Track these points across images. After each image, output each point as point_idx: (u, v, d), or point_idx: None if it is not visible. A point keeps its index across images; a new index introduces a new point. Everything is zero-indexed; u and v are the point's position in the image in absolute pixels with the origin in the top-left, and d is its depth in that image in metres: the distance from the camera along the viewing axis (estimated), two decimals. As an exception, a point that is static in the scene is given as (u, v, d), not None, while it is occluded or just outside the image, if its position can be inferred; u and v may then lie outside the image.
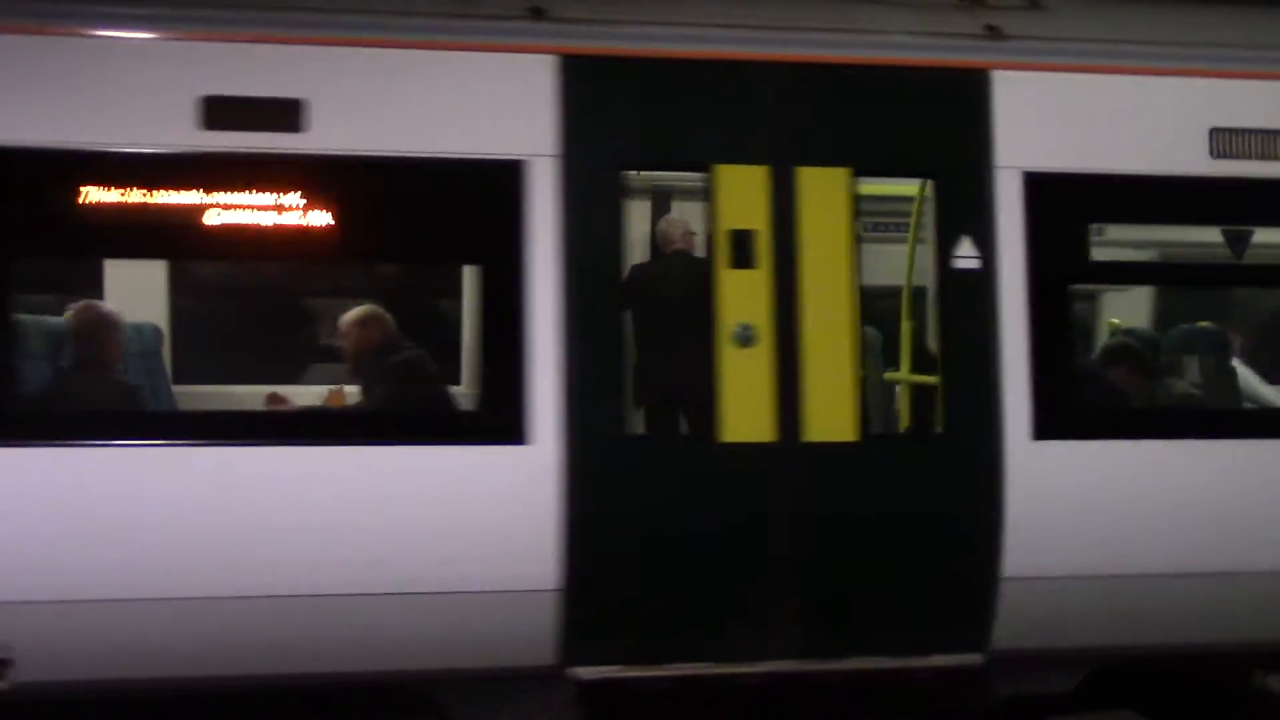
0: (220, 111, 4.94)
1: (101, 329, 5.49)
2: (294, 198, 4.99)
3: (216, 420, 5.28)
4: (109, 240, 5.05)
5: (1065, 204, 5.42)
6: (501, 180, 5.06)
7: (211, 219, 4.97)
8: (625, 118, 5.22)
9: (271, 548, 4.81)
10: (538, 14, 5.29)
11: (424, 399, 5.70)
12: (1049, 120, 5.44)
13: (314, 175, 5.00)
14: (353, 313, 6.03)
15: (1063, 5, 5.83)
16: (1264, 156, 5.57)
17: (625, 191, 5.36)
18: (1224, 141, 5.56)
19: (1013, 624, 5.31)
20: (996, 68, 5.46)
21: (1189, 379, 6.57)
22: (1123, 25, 5.76)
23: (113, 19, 5.00)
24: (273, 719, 5.33)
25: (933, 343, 5.66)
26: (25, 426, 4.81)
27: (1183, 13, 5.88)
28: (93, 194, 4.87)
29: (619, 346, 5.28)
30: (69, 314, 5.59)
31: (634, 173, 5.86)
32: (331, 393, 6.38)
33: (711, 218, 5.26)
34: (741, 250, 5.20)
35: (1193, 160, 5.53)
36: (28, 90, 4.80)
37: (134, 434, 4.88)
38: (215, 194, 4.96)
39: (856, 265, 5.29)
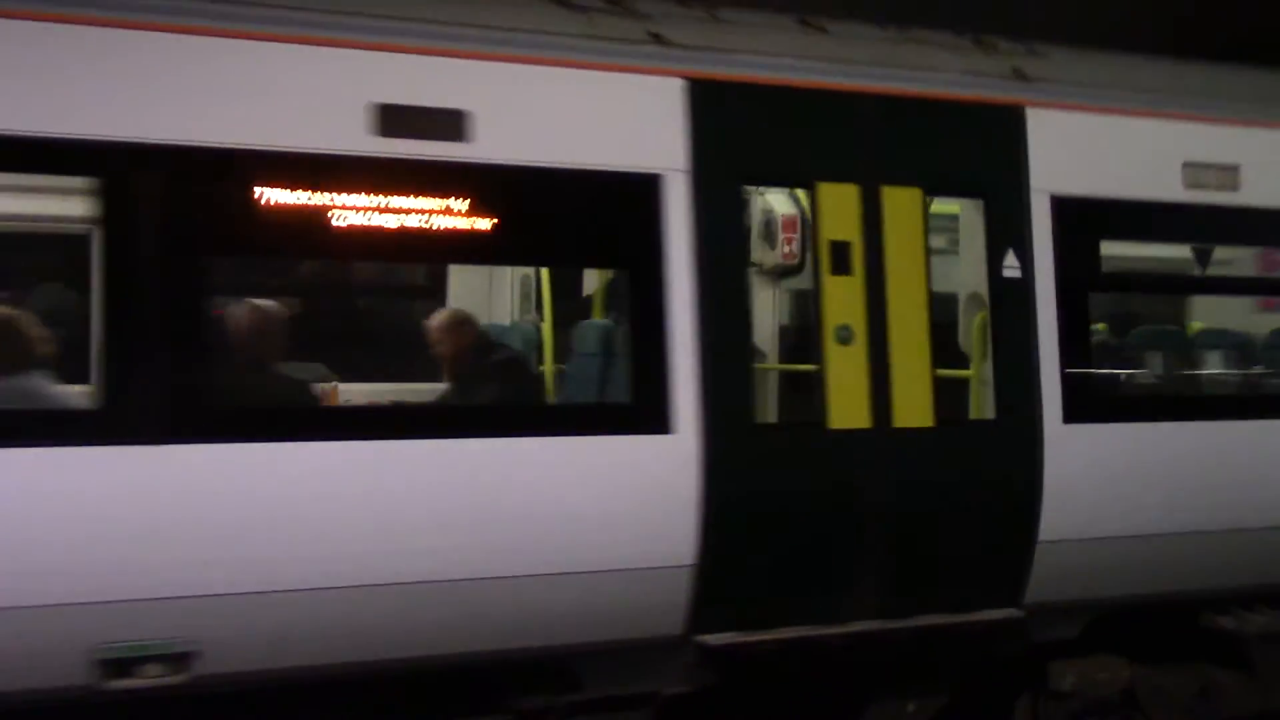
0: (393, 119, 5.17)
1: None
2: (459, 204, 5.28)
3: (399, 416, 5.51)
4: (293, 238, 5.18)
5: (1085, 223, 6.38)
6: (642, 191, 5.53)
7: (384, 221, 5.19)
8: (745, 138, 5.78)
9: (456, 535, 5.11)
10: (658, 39, 5.76)
11: (527, 393, 6.07)
12: (1072, 151, 6.40)
13: (478, 183, 5.30)
14: (443, 317, 6.29)
15: (1055, 51, 6.81)
16: (1223, 188, 6.74)
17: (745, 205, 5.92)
18: (1193, 174, 6.69)
19: (1043, 581, 6.24)
20: (1030, 105, 6.36)
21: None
22: (1107, 71, 6.82)
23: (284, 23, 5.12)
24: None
25: (964, 341, 6.53)
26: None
27: (1155, 64, 7.00)
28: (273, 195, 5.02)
29: (747, 344, 5.83)
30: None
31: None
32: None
33: (814, 230, 5.90)
34: (840, 259, 5.87)
35: (1170, 189, 6.64)
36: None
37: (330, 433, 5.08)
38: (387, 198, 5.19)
39: (929, 274, 6.07)
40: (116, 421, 4.72)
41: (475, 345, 6.23)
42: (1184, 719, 6.98)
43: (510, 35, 5.47)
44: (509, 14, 5.54)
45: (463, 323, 6.30)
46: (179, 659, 4.86)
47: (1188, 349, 7.84)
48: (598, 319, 6.85)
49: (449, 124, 5.27)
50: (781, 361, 6.85)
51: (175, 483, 4.76)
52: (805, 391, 6.02)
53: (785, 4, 6.21)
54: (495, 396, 6.00)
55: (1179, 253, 7.74)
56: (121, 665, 4.79)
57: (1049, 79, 6.54)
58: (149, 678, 4.84)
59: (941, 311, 6.33)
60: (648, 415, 5.48)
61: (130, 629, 4.73)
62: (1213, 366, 7.96)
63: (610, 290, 6.98)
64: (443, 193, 5.27)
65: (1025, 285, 6.24)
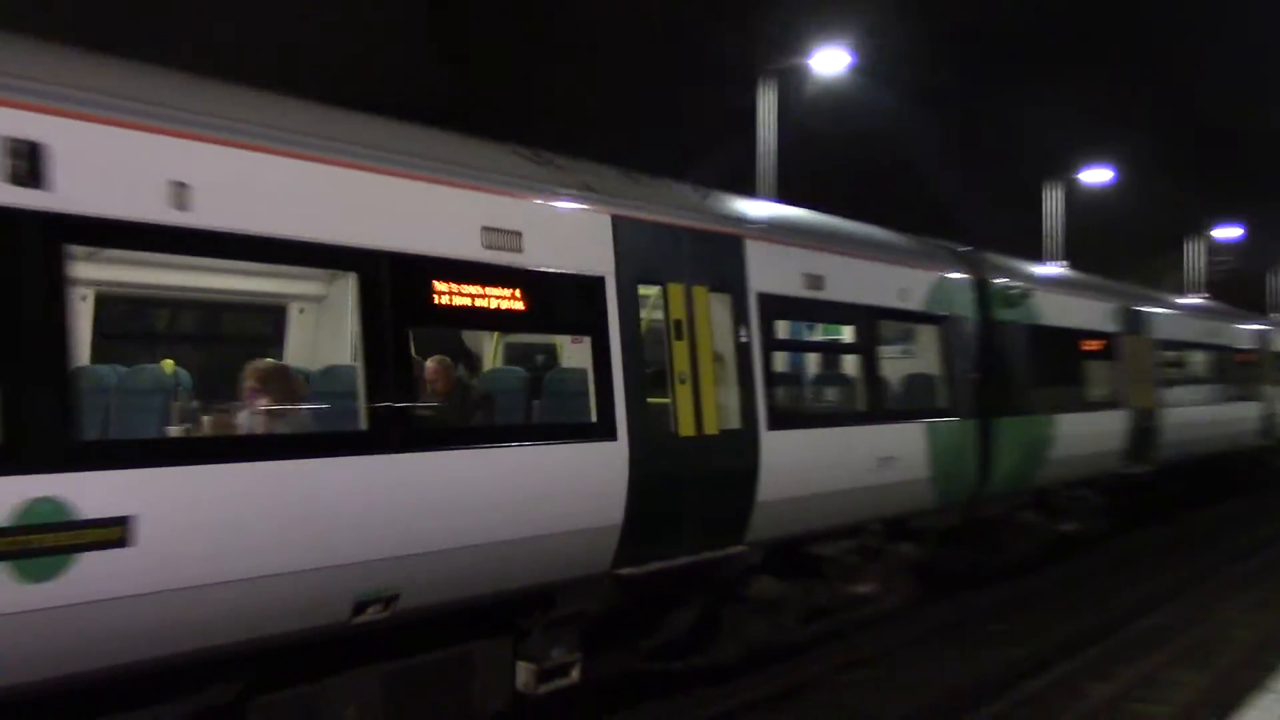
0: (490, 237, 8.00)
1: None
2: (515, 291, 8.21)
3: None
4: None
5: (769, 309, 10.58)
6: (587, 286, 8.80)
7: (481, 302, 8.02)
8: (644, 257, 9.23)
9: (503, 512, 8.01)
10: (586, 189, 9.02)
11: (493, 413, 8.93)
12: (777, 267, 10.60)
13: (526, 280, 8.25)
14: (435, 362, 8.90)
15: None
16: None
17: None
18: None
19: (755, 528, 10.31)
20: (746, 237, 10.47)
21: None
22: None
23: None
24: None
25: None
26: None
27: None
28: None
29: (646, 384, 9.23)
30: None
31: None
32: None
33: (666, 312, 9.48)
34: (679, 330, 9.52)
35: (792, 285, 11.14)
36: None
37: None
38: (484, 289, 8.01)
39: (712, 340, 9.90)
40: (375, 438, 7.11)
41: (457, 381, 8.97)
42: (799, 613, 11.46)
43: (536, 185, 8.49)
44: (529, 169, 8.58)
45: (447, 367, 8.98)
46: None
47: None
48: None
49: (513, 239, 8.15)
50: (654, 396, 10.08)
51: (408, 479, 7.23)
52: (667, 414, 9.52)
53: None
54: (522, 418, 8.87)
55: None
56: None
57: (760, 217, 10.75)
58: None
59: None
60: (600, 428, 8.71)
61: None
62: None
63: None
64: (507, 284, 8.13)
65: (749, 347, 10.28)
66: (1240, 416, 25.38)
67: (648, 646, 10.14)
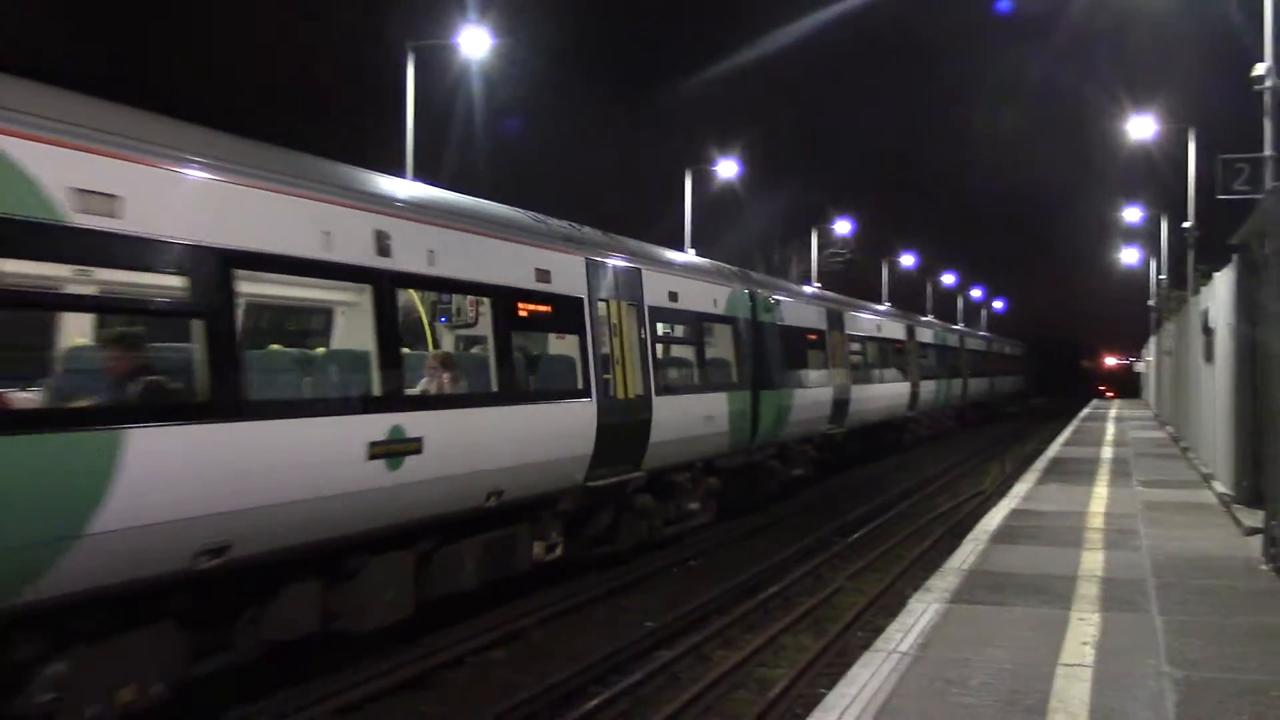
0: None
1: None
2: (545, 310, 13.33)
3: None
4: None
5: (656, 316, 16.03)
6: (577, 304, 13.98)
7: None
8: (601, 283, 14.48)
9: (529, 447, 13.19)
10: (569, 239, 14.17)
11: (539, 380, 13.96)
12: (657, 287, 16.07)
13: (550, 302, 13.36)
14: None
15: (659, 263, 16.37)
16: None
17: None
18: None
19: (648, 460, 15.73)
20: (643, 268, 15.92)
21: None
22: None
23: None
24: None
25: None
26: None
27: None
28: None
29: (608, 363, 14.44)
30: None
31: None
32: None
33: (608, 319, 14.78)
34: (615, 330, 14.85)
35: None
36: None
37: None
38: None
39: (635, 337, 15.26)
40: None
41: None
42: (661, 519, 16.96)
43: (554, 242, 13.57)
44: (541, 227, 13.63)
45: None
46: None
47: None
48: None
49: (546, 275, 13.20)
50: (604, 373, 15.03)
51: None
52: (610, 383, 14.73)
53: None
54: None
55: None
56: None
57: (647, 254, 16.16)
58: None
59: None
60: (584, 392, 13.91)
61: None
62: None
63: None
64: (537, 306, 13.18)
65: (645, 341, 15.67)
66: (898, 393, 33.14)
67: (587, 536, 15.33)
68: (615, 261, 15.21)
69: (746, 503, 21.24)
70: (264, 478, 8.85)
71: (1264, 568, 11.83)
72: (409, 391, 10.99)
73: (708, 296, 18.38)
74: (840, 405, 26.13)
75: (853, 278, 60.01)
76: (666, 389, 16.41)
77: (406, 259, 10.70)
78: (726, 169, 41.41)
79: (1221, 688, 7.86)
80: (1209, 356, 19.14)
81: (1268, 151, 17.44)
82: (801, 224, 58.29)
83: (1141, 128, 35.52)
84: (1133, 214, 52.71)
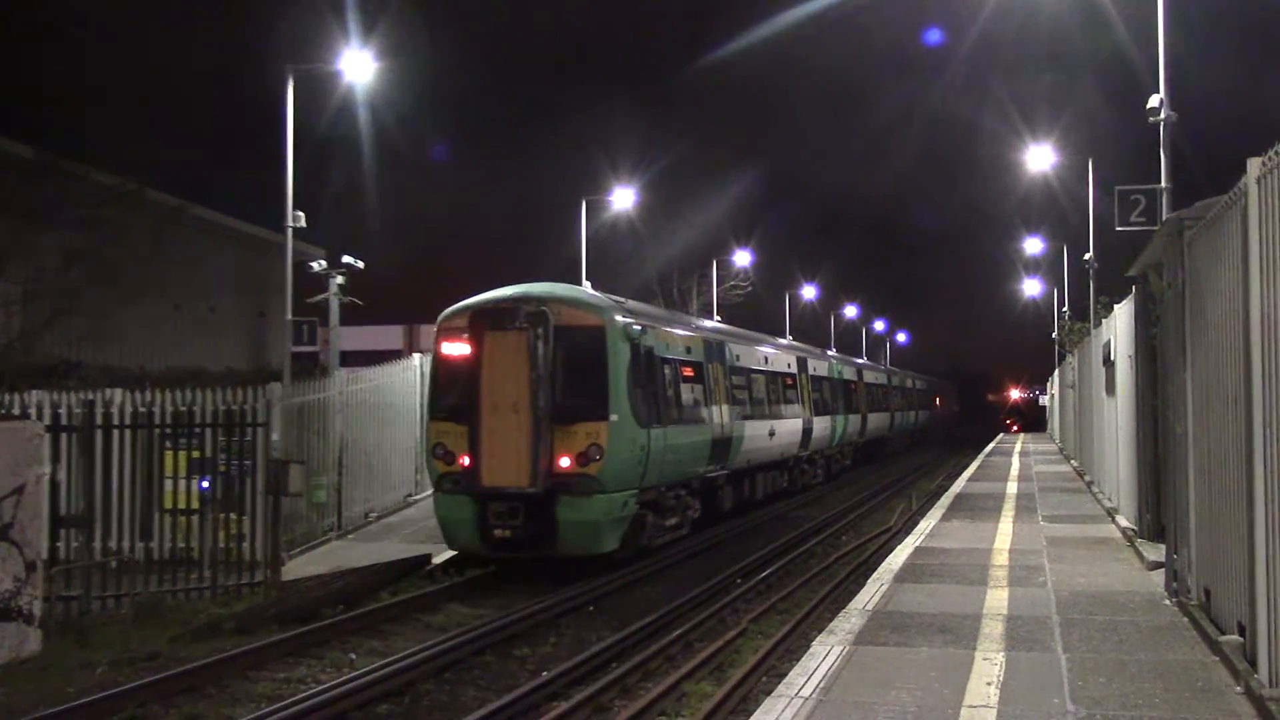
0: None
1: None
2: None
3: None
4: None
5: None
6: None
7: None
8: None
9: None
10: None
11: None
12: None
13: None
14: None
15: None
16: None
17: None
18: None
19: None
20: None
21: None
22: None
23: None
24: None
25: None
26: None
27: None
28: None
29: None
30: None
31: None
32: None
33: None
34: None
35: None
36: None
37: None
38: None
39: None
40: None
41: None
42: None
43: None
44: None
45: None
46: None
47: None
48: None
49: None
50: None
51: None
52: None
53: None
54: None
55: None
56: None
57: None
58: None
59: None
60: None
61: None
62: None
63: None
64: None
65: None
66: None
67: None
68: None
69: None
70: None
71: (1167, 602, 11.69)
72: None
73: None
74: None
75: (755, 311, 59.83)
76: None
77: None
78: (623, 198, 40.54)
79: (1126, 727, 7.57)
80: (1110, 389, 19.16)
81: (1163, 184, 17.44)
82: (702, 256, 57.96)
83: (1040, 159, 35.91)
84: (1034, 245, 53.06)
